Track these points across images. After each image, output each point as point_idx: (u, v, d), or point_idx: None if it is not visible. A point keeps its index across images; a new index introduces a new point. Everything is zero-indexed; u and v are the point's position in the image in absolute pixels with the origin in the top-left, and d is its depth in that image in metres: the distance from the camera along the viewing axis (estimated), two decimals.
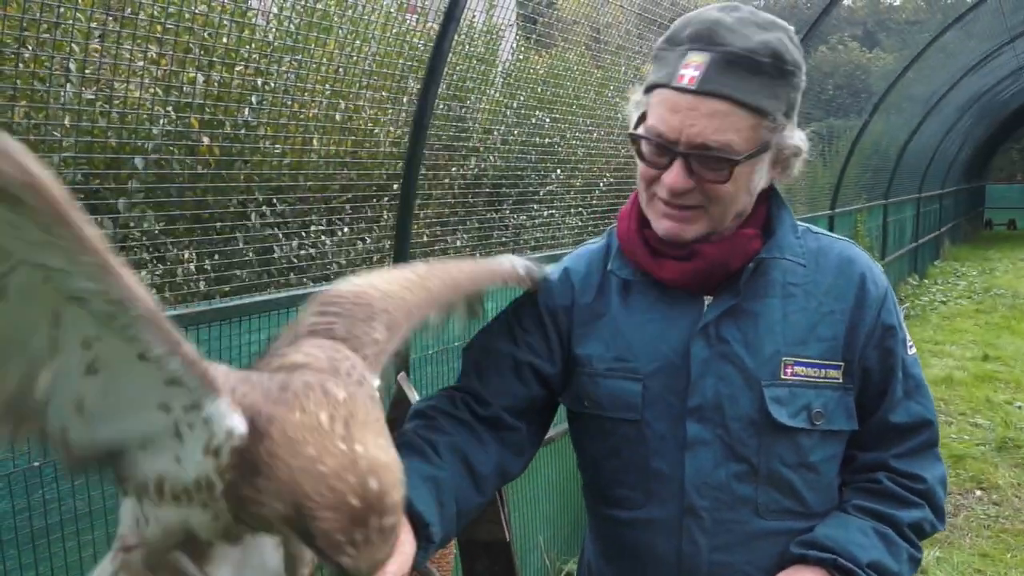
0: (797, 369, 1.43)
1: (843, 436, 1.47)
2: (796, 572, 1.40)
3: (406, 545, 1.19)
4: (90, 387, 0.93)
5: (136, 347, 0.87)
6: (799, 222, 1.53)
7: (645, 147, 1.40)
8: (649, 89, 1.40)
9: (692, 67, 1.33)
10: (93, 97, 2.59)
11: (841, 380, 1.44)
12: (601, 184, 5.13)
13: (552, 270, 1.61)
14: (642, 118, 1.41)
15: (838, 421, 1.44)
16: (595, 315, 1.52)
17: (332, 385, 0.95)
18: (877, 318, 1.46)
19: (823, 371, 1.43)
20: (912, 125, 10.42)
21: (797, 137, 1.41)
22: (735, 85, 1.32)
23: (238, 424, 0.91)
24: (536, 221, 4.65)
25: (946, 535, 4.67)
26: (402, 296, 1.24)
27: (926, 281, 13.53)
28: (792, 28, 1.41)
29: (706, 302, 1.46)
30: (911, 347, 1.51)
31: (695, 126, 1.32)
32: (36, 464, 1.80)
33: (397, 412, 1.82)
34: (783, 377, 1.42)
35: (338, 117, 3.32)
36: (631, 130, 1.42)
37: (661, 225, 1.42)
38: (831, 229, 8.21)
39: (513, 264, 1.52)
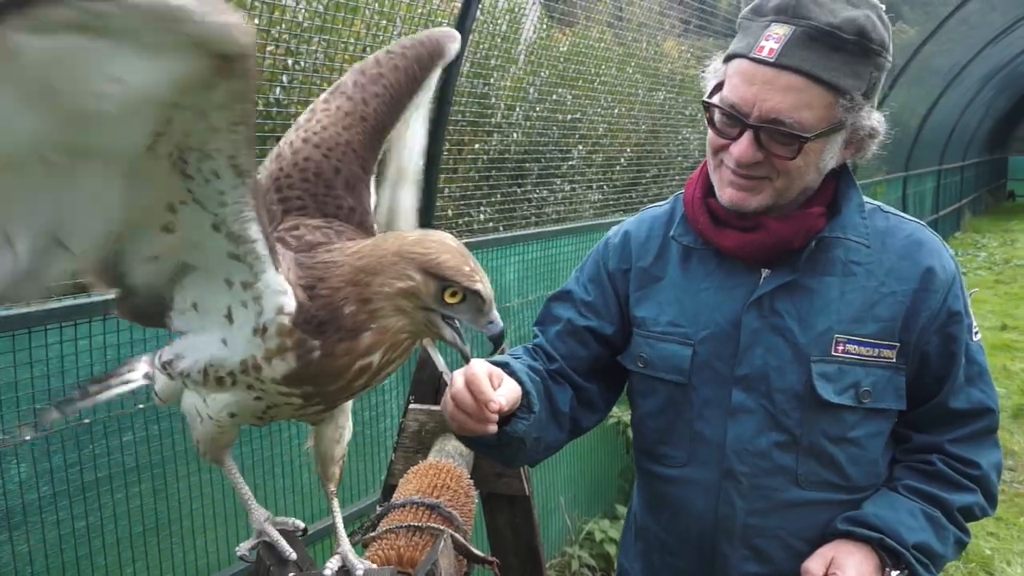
0: (849, 347, 1.40)
1: (890, 414, 1.45)
2: (840, 547, 1.39)
3: (512, 383, 1.33)
4: (165, 243, 0.98)
5: (211, 217, 0.93)
6: (869, 200, 1.49)
7: (717, 116, 1.38)
8: (728, 59, 1.38)
9: (773, 39, 1.29)
10: None
11: (895, 360, 1.41)
12: (622, 159, 5.10)
13: (614, 233, 1.63)
14: (718, 87, 1.39)
15: (886, 400, 1.42)
16: (653, 279, 1.53)
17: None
18: (943, 303, 1.41)
19: (877, 351, 1.40)
20: (933, 97, 10.21)
21: (874, 118, 1.37)
22: (815, 61, 1.28)
23: (289, 301, 0.96)
24: (558, 196, 4.64)
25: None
26: (345, 141, 1.23)
27: None
28: (883, 6, 1.36)
29: (763, 275, 1.44)
30: (976, 333, 1.47)
31: (769, 100, 1.29)
32: (87, 421, 1.87)
33: (422, 374, 1.85)
34: (833, 354, 1.40)
35: None
36: (705, 98, 1.40)
37: (725, 193, 1.41)
38: None
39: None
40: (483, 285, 1.01)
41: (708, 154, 1.44)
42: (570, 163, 4.70)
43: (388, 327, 1.00)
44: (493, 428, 1.26)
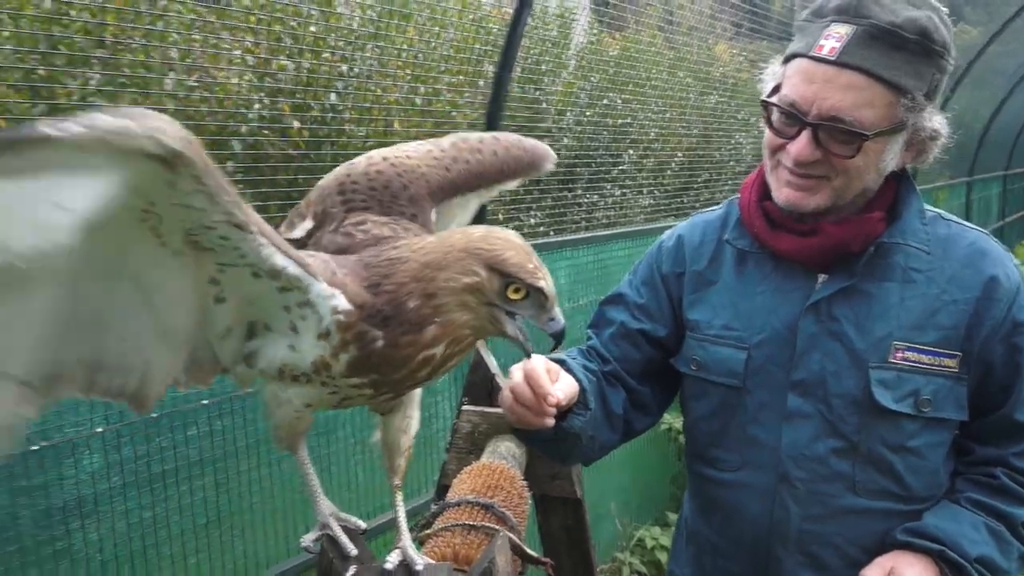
0: (908, 354, 1.39)
1: (951, 425, 1.43)
2: (900, 558, 1.38)
3: (569, 378, 1.37)
4: (228, 311, 1.07)
5: (249, 268, 1.00)
6: (930, 208, 1.48)
7: (775, 115, 1.38)
8: (787, 60, 1.38)
9: (833, 38, 1.29)
10: (195, 84, 2.73)
11: (957, 369, 1.39)
12: (673, 164, 5.10)
13: (667, 236, 1.65)
14: (776, 89, 1.40)
15: (947, 410, 1.40)
16: (707, 282, 1.54)
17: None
18: (1008, 313, 1.39)
19: (938, 359, 1.39)
20: (998, 100, 9.95)
21: (936, 120, 1.36)
22: (876, 59, 1.27)
23: (340, 301, 1.02)
24: (608, 200, 4.66)
25: None
26: (421, 172, 1.27)
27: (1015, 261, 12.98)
28: (945, 9, 1.35)
29: (820, 279, 1.44)
30: None
31: (829, 98, 1.30)
32: (155, 415, 1.95)
33: (475, 375, 1.90)
34: (892, 361, 1.39)
35: (418, 100, 3.39)
36: (763, 98, 1.41)
37: (782, 194, 1.40)
38: None
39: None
40: (546, 282, 1.03)
41: (765, 155, 1.45)
42: (621, 168, 4.71)
43: (452, 321, 1.04)
44: (551, 421, 1.29)
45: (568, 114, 4.33)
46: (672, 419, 3.88)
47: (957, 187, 9.91)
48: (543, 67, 4.08)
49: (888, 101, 1.30)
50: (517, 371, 1.30)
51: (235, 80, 2.79)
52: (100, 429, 1.87)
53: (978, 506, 1.41)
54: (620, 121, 4.64)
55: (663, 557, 3.79)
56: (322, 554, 1.13)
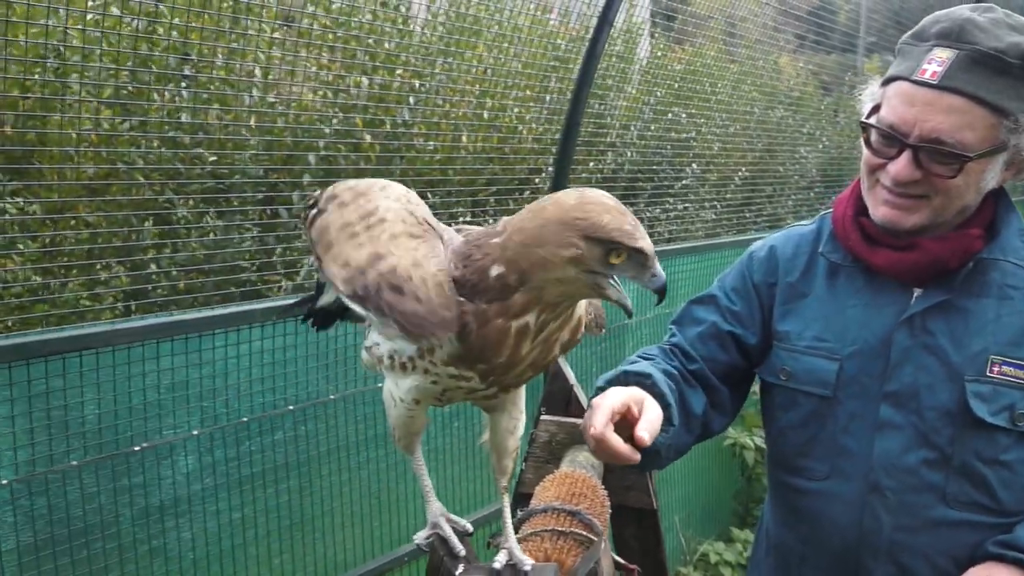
0: (1005, 369, 1.41)
1: None
2: (992, 569, 1.39)
3: (654, 405, 1.32)
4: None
5: None
6: None
7: (874, 136, 1.42)
8: (887, 82, 1.42)
9: (936, 62, 1.33)
10: (274, 100, 2.84)
11: None
12: (736, 178, 5.09)
13: (759, 247, 1.68)
14: (875, 110, 1.43)
15: None
16: (799, 294, 1.58)
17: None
18: None
19: None
20: None
21: None
22: (978, 83, 1.31)
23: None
24: (671, 215, 4.68)
25: None
26: None
27: None
28: None
29: (915, 294, 1.47)
30: None
31: (930, 121, 1.33)
32: (244, 419, 2.04)
33: (553, 385, 1.95)
34: (988, 375, 1.41)
35: (486, 115, 3.47)
36: (863, 119, 1.44)
37: (879, 212, 1.44)
38: None
39: None
40: (645, 241, 1.02)
41: (863, 173, 1.48)
42: (683, 182, 4.73)
43: (543, 290, 1.03)
44: (639, 457, 1.27)
45: (632, 128, 4.37)
46: (737, 435, 3.89)
47: None
48: (608, 82, 4.13)
49: (990, 123, 1.33)
50: (600, 415, 1.24)
51: (311, 96, 2.89)
52: (195, 432, 1.96)
53: None
54: (683, 135, 4.66)
55: (727, 573, 3.78)
56: (432, 552, 1.19)
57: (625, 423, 1.25)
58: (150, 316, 1.93)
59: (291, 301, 1.47)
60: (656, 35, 4.88)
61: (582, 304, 1.14)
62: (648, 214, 4.55)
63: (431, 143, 3.26)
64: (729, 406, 1.65)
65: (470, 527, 1.25)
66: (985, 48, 1.32)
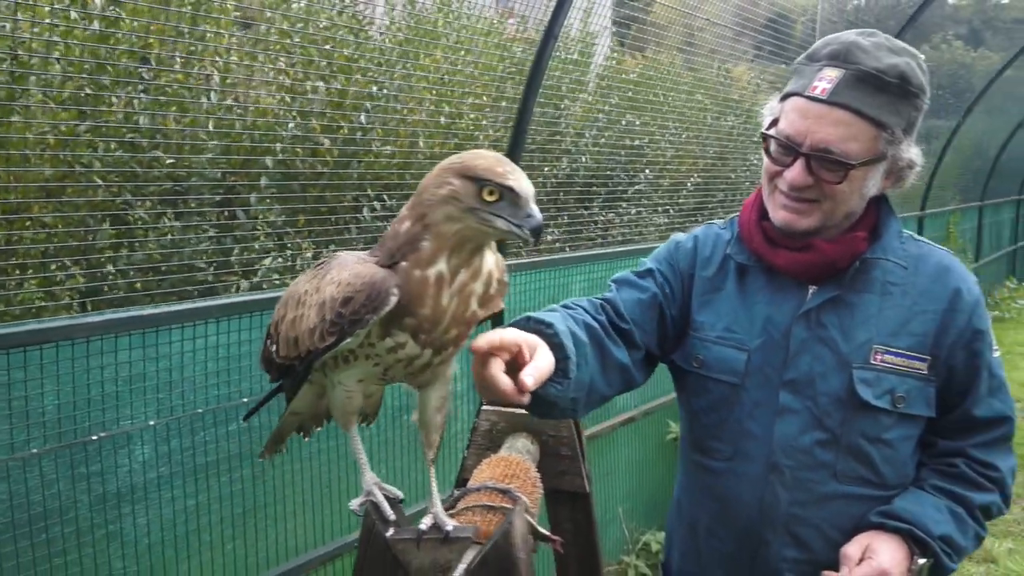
0: (886, 357, 1.59)
1: (920, 421, 1.63)
2: (874, 537, 1.57)
3: (546, 353, 1.35)
4: None
5: None
6: (904, 230, 1.69)
7: (773, 146, 1.59)
8: (785, 97, 1.60)
9: (825, 80, 1.51)
10: (232, 104, 2.93)
11: (926, 372, 1.60)
12: (688, 184, 5.26)
13: (684, 238, 1.82)
14: (774, 122, 1.61)
15: (917, 407, 1.61)
16: (714, 288, 1.73)
17: None
18: (968, 322, 1.60)
19: (910, 362, 1.60)
20: (1013, 125, 10.07)
21: (913, 152, 1.58)
22: (861, 99, 1.49)
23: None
24: (624, 219, 4.83)
25: (1021, 528, 4.76)
26: None
27: None
28: (922, 56, 1.58)
29: (810, 291, 1.64)
30: (996, 350, 1.67)
31: (819, 132, 1.51)
32: (199, 411, 2.15)
33: None
34: (872, 362, 1.59)
35: (442, 120, 3.58)
36: (763, 130, 1.62)
37: (779, 215, 1.61)
38: (920, 230, 8.06)
39: None
40: (516, 181, 1.14)
41: (764, 181, 1.66)
42: (637, 187, 4.89)
43: (442, 232, 1.18)
44: (525, 400, 1.29)
45: (587, 134, 4.52)
46: (679, 428, 4.05)
47: (968, 211, 10.02)
48: (564, 89, 4.27)
49: (871, 136, 1.52)
50: (485, 337, 1.27)
51: (269, 100, 2.99)
52: (151, 422, 2.07)
53: (941, 491, 1.62)
54: (637, 141, 4.82)
55: None
56: (366, 517, 1.32)
57: (516, 366, 1.29)
58: (108, 311, 2.03)
59: (261, 397, 1.65)
60: (615, 43, 5.03)
61: (489, 259, 1.26)
62: (602, 218, 4.71)
63: (389, 148, 3.36)
64: (644, 366, 1.74)
65: (401, 494, 1.38)
66: (867, 68, 1.50)
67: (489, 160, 1.16)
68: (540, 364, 1.30)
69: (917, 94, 1.54)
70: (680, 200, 5.23)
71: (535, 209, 1.17)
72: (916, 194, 8.10)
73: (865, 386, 1.58)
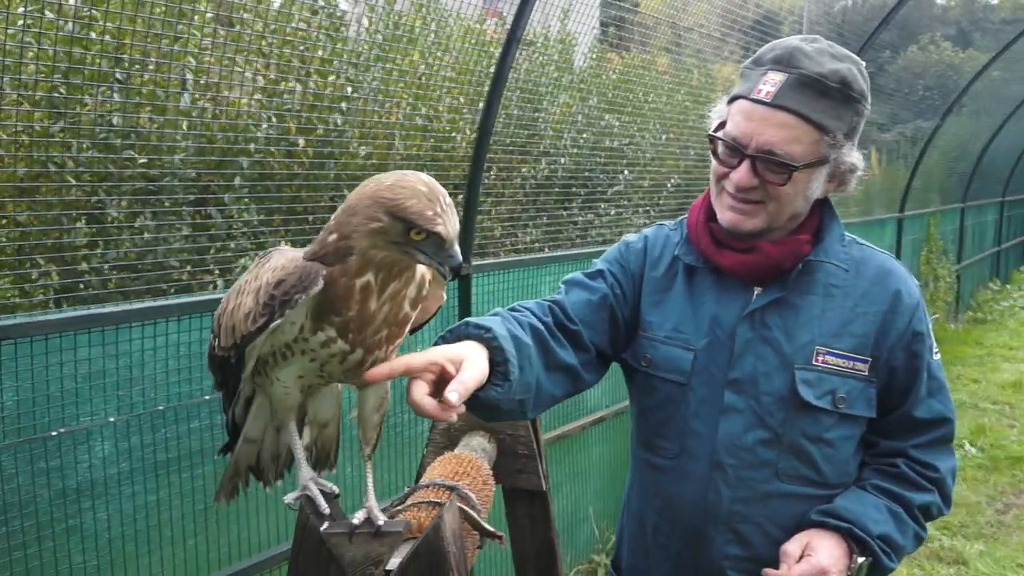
0: (828, 358, 1.61)
1: (861, 421, 1.65)
2: (814, 536, 1.59)
3: (479, 360, 1.35)
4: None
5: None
6: (847, 234, 1.72)
7: (720, 148, 1.61)
8: (731, 101, 1.62)
9: (770, 83, 1.53)
10: (207, 105, 2.94)
11: (867, 373, 1.62)
12: (668, 185, 5.29)
13: (634, 239, 1.82)
14: (721, 125, 1.63)
15: (858, 407, 1.63)
16: (663, 288, 1.75)
17: None
18: (908, 324, 1.62)
19: (851, 363, 1.62)
20: (996, 126, 10.10)
21: (855, 156, 1.60)
22: (803, 102, 1.51)
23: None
24: (604, 219, 4.86)
25: (993, 531, 4.76)
26: None
27: (1008, 286, 13.08)
28: (863, 63, 1.61)
29: (755, 292, 1.66)
30: (936, 353, 1.70)
31: (764, 134, 1.53)
32: (160, 408, 2.17)
33: None
34: (814, 363, 1.61)
35: (419, 121, 3.60)
36: (710, 132, 1.64)
37: (725, 216, 1.63)
38: (899, 232, 8.12)
39: None
40: (444, 227, 1.16)
41: (712, 182, 1.68)
42: (616, 188, 4.91)
43: (368, 256, 1.20)
44: (453, 417, 1.30)
45: (566, 135, 4.54)
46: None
47: (949, 213, 10.05)
48: (542, 89, 4.28)
49: (814, 139, 1.54)
50: (385, 371, 1.28)
51: (245, 100, 3.00)
52: (112, 419, 2.08)
53: (881, 491, 1.64)
54: (617, 142, 4.84)
55: None
56: (300, 511, 1.33)
57: (444, 382, 1.30)
58: (68, 310, 2.05)
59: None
60: (599, 42, 5.03)
61: (421, 267, 1.27)
62: (581, 218, 4.73)
63: (364, 148, 3.37)
64: (594, 368, 1.74)
65: (337, 489, 1.40)
66: (810, 72, 1.53)
67: (422, 202, 1.16)
68: (464, 378, 1.31)
69: (859, 99, 1.56)
70: (660, 201, 5.25)
71: (456, 250, 1.20)
72: (895, 196, 8.14)
73: (807, 386, 1.60)
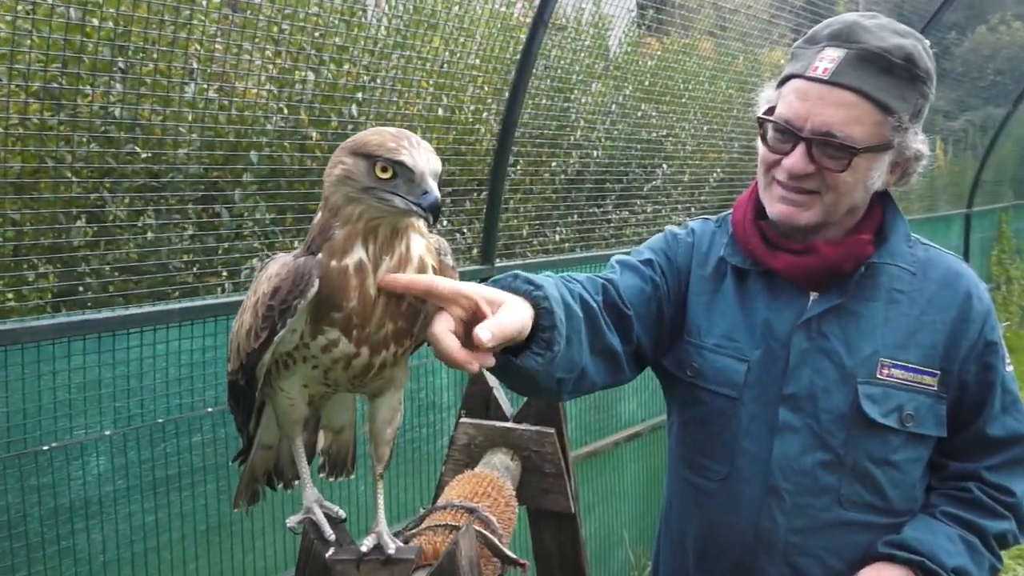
0: (893, 371, 1.56)
1: (930, 441, 1.60)
2: (882, 569, 1.54)
3: (522, 310, 1.22)
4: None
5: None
6: (912, 233, 1.65)
7: (770, 132, 1.56)
8: (783, 82, 1.58)
9: (827, 60, 1.49)
10: (214, 96, 2.94)
11: (936, 388, 1.57)
12: (711, 179, 5.22)
13: (681, 230, 1.76)
14: (770, 111, 1.58)
15: (927, 426, 1.57)
16: (711, 289, 1.69)
17: None
18: (980, 333, 1.58)
19: (919, 376, 1.57)
20: None
21: (921, 143, 1.55)
22: (865, 79, 1.47)
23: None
24: (639, 217, 4.81)
25: None
26: None
27: None
28: (928, 41, 1.56)
29: (812, 297, 1.61)
30: (1009, 364, 1.64)
31: (821, 114, 1.48)
32: (160, 421, 2.16)
33: (473, 388, 2.06)
34: (878, 377, 1.56)
35: (440, 112, 3.58)
36: (759, 115, 1.59)
37: (776, 209, 1.57)
38: (967, 230, 7.96)
39: None
40: (409, 156, 1.13)
41: (760, 173, 1.62)
42: (653, 183, 4.86)
43: (348, 216, 1.18)
44: (475, 367, 1.16)
45: (598, 126, 4.49)
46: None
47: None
48: (573, 77, 4.24)
49: (876, 120, 1.48)
50: (437, 321, 1.16)
51: (255, 91, 2.99)
52: (108, 432, 2.08)
53: (953, 519, 1.58)
54: (654, 134, 4.78)
55: None
56: (304, 535, 1.31)
57: (474, 325, 1.16)
58: (61, 315, 2.04)
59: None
60: (637, 26, 4.97)
61: (417, 243, 1.23)
62: (615, 216, 4.68)
63: None
64: (636, 366, 1.67)
65: (343, 513, 1.37)
66: (871, 47, 1.48)
67: (384, 135, 1.15)
68: (502, 320, 1.17)
69: (924, 79, 1.51)
70: (702, 197, 5.19)
71: (432, 185, 1.14)
72: (962, 190, 7.97)
73: (871, 403, 1.54)
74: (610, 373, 1.58)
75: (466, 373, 1.52)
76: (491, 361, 1.18)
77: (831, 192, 1.52)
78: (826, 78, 1.48)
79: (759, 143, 1.59)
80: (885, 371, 1.56)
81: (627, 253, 1.76)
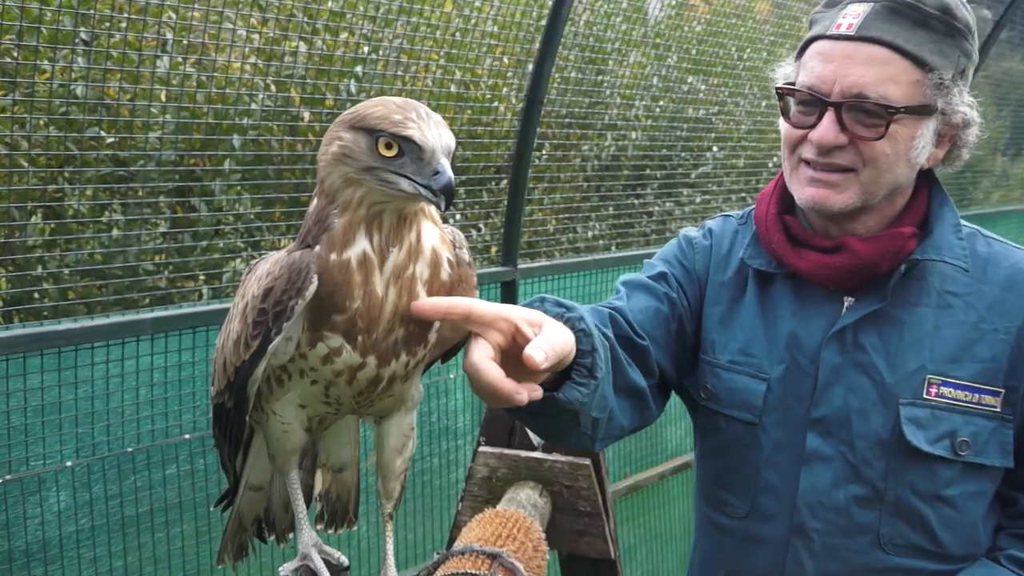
0: (944, 390, 1.52)
1: (994, 473, 1.55)
2: None
3: (560, 328, 1.21)
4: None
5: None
6: (966, 224, 1.61)
7: (792, 104, 1.54)
8: (802, 50, 1.55)
9: (851, 15, 1.48)
10: (191, 70, 2.95)
11: (999, 409, 1.52)
12: (770, 164, 5.19)
13: (697, 234, 1.75)
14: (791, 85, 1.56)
15: (989, 455, 1.53)
16: (729, 298, 1.67)
17: None
18: None
19: (977, 396, 1.52)
20: None
21: (967, 105, 1.51)
22: (896, 32, 1.46)
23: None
24: (686, 209, 4.79)
25: None
26: None
27: None
28: None
29: (846, 303, 1.57)
30: None
31: (850, 75, 1.46)
32: (129, 450, 2.16)
33: (493, 410, 2.05)
34: (926, 397, 1.52)
35: (452, 88, 3.57)
36: (777, 86, 1.56)
37: (805, 194, 1.54)
38: None
39: None
40: (417, 130, 1.12)
41: (784, 156, 1.59)
42: (702, 169, 4.84)
43: (347, 201, 1.17)
44: (524, 398, 1.14)
45: (637, 103, 4.47)
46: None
47: None
48: (607, 46, 4.23)
49: (914, 78, 1.46)
50: (429, 306, 1.19)
51: (238, 64, 3.00)
52: (69, 463, 2.08)
53: (1019, 564, 1.53)
54: (703, 112, 4.75)
55: None
56: None
57: (517, 351, 1.14)
58: (14, 326, 2.05)
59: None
60: None
61: (430, 232, 1.23)
62: (658, 208, 4.67)
63: None
64: (661, 399, 1.67)
65: (345, 560, 1.37)
66: None
67: (388, 107, 1.14)
68: (552, 338, 1.16)
69: (964, 33, 1.49)
70: (759, 185, 5.16)
71: (444, 163, 1.14)
72: None
73: (916, 427, 1.51)
74: (636, 412, 1.59)
75: None
76: (539, 392, 1.17)
77: (869, 167, 1.49)
78: (852, 33, 1.46)
79: (780, 122, 1.57)
80: (934, 390, 1.52)
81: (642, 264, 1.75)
